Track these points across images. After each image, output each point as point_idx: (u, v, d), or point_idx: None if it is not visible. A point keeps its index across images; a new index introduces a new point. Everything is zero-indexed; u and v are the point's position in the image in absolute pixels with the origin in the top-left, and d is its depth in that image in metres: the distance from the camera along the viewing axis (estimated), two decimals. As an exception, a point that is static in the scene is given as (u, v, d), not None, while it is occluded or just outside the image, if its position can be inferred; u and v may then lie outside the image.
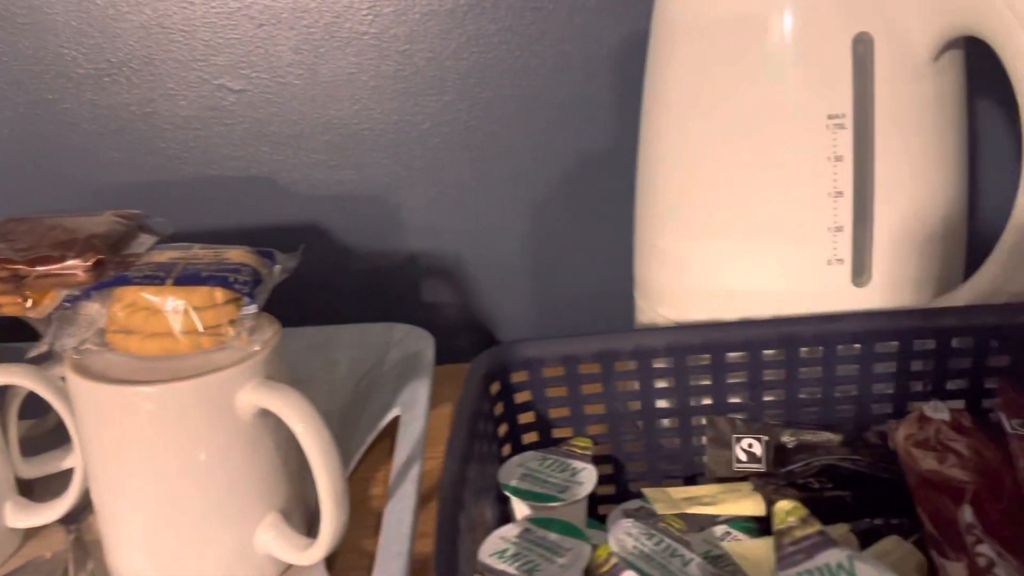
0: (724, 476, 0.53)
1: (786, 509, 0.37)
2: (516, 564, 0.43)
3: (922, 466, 0.44)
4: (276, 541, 0.53)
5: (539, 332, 0.91)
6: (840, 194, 0.58)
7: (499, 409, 0.52)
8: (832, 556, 0.36)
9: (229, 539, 0.52)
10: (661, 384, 0.53)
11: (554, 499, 0.48)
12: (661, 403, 0.54)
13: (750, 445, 0.53)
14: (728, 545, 0.47)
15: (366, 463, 0.64)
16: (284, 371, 0.57)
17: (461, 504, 0.40)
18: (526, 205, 0.88)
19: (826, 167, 0.57)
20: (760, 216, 0.59)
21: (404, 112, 0.84)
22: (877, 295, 0.60)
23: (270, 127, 0.85)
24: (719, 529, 0.49)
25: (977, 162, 0.84)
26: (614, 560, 0.41)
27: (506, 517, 0.50)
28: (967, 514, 0.40)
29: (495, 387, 0.52)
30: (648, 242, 0.68)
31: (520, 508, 0.49)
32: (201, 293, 0.50)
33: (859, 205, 0.57)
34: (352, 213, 0.88)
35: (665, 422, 0.54)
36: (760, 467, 0.52)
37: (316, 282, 0.90)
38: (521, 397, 0.53)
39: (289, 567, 0.55)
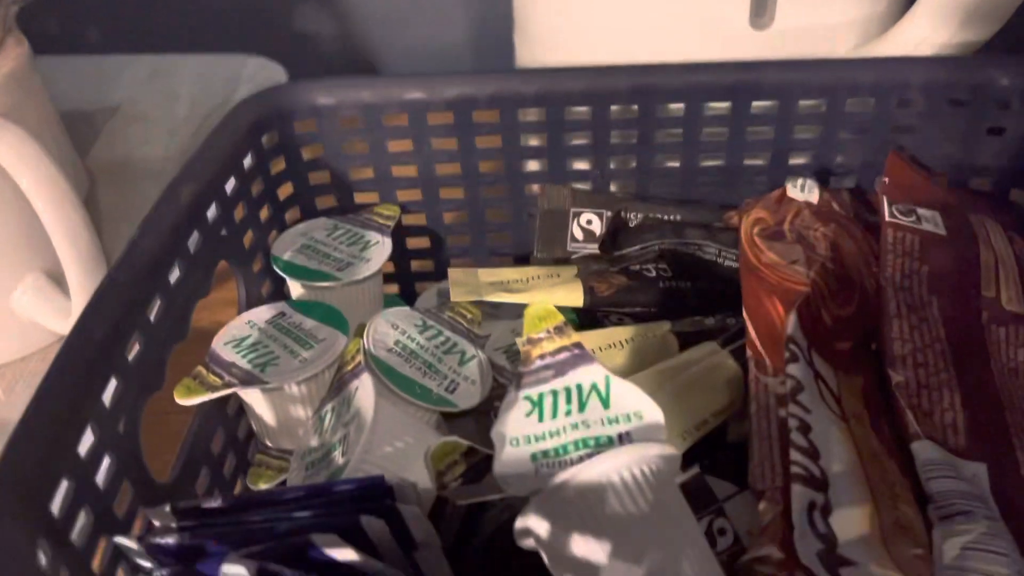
0: (560, 257, 0.45)
1: (539, 314, 0.29)
2: (250, 355, 0.35)
3: (760, 259, 0.36)
4: (35, 304, 0.46)
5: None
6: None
7: (279, 166, 0.42)
8: (586, 375, 0.28)
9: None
10: (486, 143, 0.43)
11: (330, 277, 0.40)
12: (486, 165, 0.44)
13: (589, 221, 0.44)
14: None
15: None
16: (39, 106, 0.47)
17: (161, 271, 0.32)
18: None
19: None
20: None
21: None
22: (780, 41, 0.48)
23: None
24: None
25: None
26: (359, 359, 0.33)
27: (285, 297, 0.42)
28: (791, 324, 0.32)
29: (271, 138, 0.42)
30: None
31: (294, 287, 0.41)
32: None
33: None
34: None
35: (492, 190, 0.45)
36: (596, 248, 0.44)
37: (160, 2, 0.77)
38: (312, 152, 0.43)
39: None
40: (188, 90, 0.69)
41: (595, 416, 0.27)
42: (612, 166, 0.44)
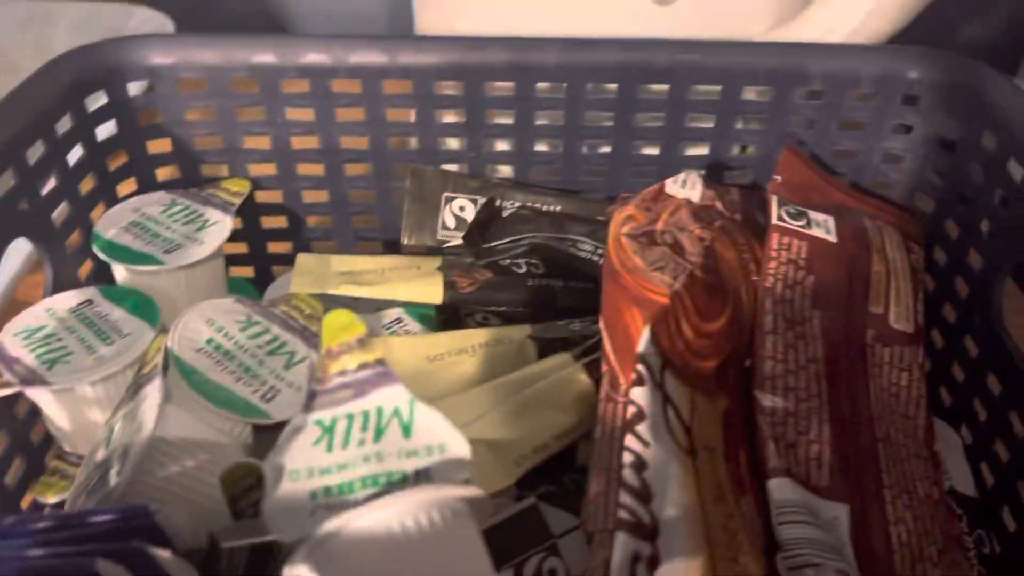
0: (431, 246, 0.41)
1: (339, 323, 0.25)
2: (40, 350, 0.31)
3: (624, 263, 0.32)
4: None
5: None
6: None
7: (106, 131, 0.37)
8: (389, 397, 0.24)
9: None
10: (348, 116, 0.39)
11: (153, 260, 0.35)
12: (349, 141, 0.40)
13: (462, 208, 0.40)
14: (387, 338, 0.36)
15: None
16: None
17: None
18: None
19: None
20: None
21: None
22: (684, 21, 0.44)
23: None
24: (390, 314, 0.38)
25: None
26: (155, 361, 0.29)
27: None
28: (644, 340, 0.29)
29: (98, 99, 0.37)
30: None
31: (118, 272, 0.36)
32: None
33: None
34: None
35: (356, 167, 0.41)
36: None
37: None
38: (149, 116, 0.38)
39: None
40: (64, 40, 0.63)
41: (392, 447, 0.23)
42: (487, 149, 0.40)
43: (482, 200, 0.40)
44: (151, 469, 0.26)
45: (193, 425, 0.28)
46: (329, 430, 0.24)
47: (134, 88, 0.38)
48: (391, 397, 0.24)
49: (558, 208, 0.40)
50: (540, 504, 0.28)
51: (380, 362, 0.24)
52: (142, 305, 0.33)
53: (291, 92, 0.38)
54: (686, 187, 0.35)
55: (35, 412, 0.32)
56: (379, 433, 0.24)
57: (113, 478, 0.27)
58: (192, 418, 0.28)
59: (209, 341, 0.32)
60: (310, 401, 0.24)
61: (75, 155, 0.36)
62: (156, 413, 0.27)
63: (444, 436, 0.23)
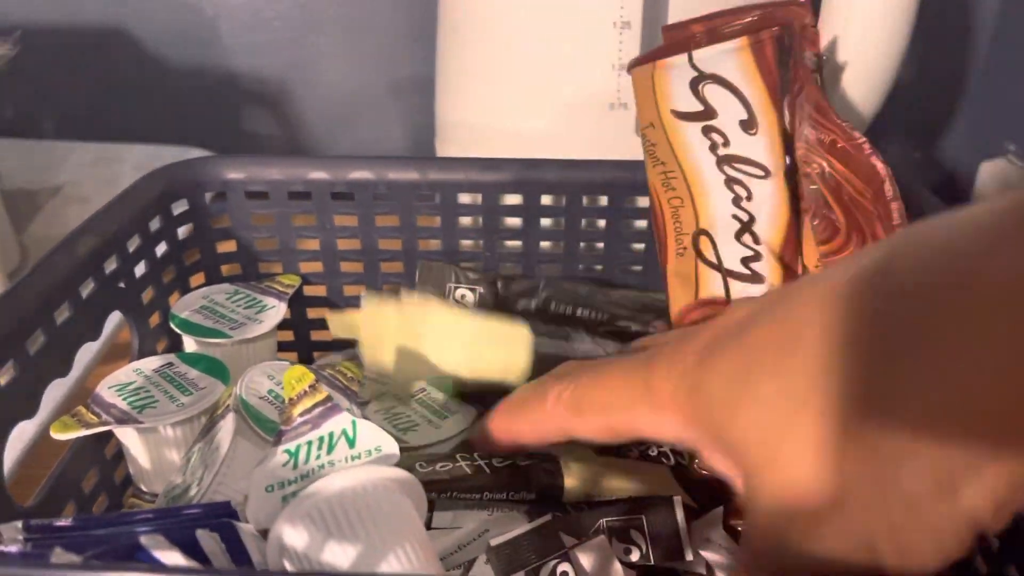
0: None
1: (296, 376, 0.31)
2: (131, 399, 0.37)
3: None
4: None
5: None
6: (627, 25, 0.50)
7: (185, 231, 0.45)
8: (336, 423, 0.31)
9: None
10: (385, 222, 0.47)
11: (221, 335, 0.42)
12: (386, 243, 0.47)
13: (463, 296, 0.47)
14: (414, 405, 0.42)
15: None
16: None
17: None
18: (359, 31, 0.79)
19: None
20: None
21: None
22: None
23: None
24: (418, 384, 0.44)
25: None
26: (228, 402, 0.35)
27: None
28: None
29: (181, 205, 0.45)
30: (444, 83, 0.60)
31: (189, 343, 0.43)
32: None
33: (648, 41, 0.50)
34: (164, 19, 0.79)
35: (390, 266, 0.48)
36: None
37: (119, 93, 0.82)
38: (220, 221, 0.46)
39: None
40: (129, 176, 0.72)
41: (341, 455, 0.30)
42: (499, 249, 0.48)
43: (480, 289, 0.47)
44: (224, 481, 0.32)
45: (256, 453, 0.34)
46: (294, 455, 0.30)
47: (209, 198, 0.46)
48: (338, 423, 0.31)
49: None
50: (555, 520, 0.33)
51: (328, 399, 0.31)
52: (214, 367, 0.40)
53: (338, 202, 0.46)
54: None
55: (119, 455, 0.38)
56: (331, 448, 0.30)
57: (194, 488, 0.33)
58: (255, 448, 0.34)
59: (269, 391, 0.38)
60: (279, 438, 0.31)
61: (160, 250, 0.44)
62: (230, 440, 0.33)
63: (379, 440, 0.31)
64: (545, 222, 0.47)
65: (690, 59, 0.37)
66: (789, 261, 0.37)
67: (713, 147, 0.37)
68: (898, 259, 0.21)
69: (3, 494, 0.31)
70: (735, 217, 0.37)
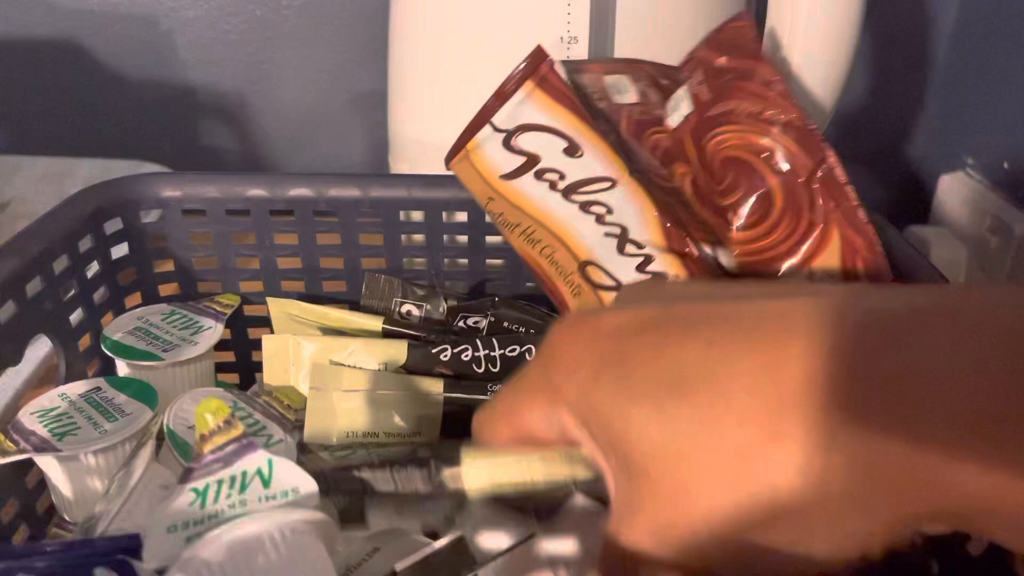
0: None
1: (210, 409, 0.30)
2: (53, 425, 0.36)
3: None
4: None
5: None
6: (575, 39, 0.50)
7: (120, 251, 0.44)
8: (251, 462, 0.29)
9: None
10: (327, 240, 0.46)
11: (153, 357, 0.41)
12: (328, 262, 0.46)
13: (408, 312, 0.46)
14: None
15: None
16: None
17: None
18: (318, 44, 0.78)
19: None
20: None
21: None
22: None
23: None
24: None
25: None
26: (153, 430, 0.34)
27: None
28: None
29: (115, 224, 0.44)
30: (395, 99, 0.60)
31: (121, 367, 0.42)
32: None
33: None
34: (119, 31, 0.78)
35: (332, 284, 0.47)
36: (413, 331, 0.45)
37: (73, 107, 0.80)
38: (157, 241, 0.45)
39: None
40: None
41: (254, 495, 0.28)
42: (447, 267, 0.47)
43: (427, 306, 0.46)
44: (135, 510, 0.31)
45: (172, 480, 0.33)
46: (202, 494, 0.29)
47: (145, 216, 0.45)
48: (253, 461, 0.29)
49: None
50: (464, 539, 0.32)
51: (244, 435, 0.30)
52: (143, 391, 0.38)
53: (278, 220, 0.45)
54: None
55: (42, 484, 0.37)
56: (243, 488, 0.29)
57: (104, 519, 0.31)
58: (172, 475, 0.33)
59: (198, 418, 0.37)
60: (186, 475, 0.29)
61: (92, 270, 0.42)
62: (144, 467, 0.32)
63: (297, 480, 0.29)
64: (492, 239, 0.46)
65: (492, 127, 0.37)
66: (679, 247, 0.36)
67: (552, 186, 0.37)
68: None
69: (-96, 529, 0.30)
70: (608, 235, 0.37)
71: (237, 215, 0.45)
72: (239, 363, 0.48)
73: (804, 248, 0.36)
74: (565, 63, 0.38)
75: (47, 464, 0.36)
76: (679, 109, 0.37)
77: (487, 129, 0.37)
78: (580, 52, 0.49)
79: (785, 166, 0.35)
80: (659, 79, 0.40)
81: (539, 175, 0.37)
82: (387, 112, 0.61)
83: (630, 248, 0.36)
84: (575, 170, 0.37)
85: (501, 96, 0.37)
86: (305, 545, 0.27)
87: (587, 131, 0.36)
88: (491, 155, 0.38)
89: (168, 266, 0.46)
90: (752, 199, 0.35)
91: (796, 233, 0.36)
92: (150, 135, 0.81)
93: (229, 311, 0.45)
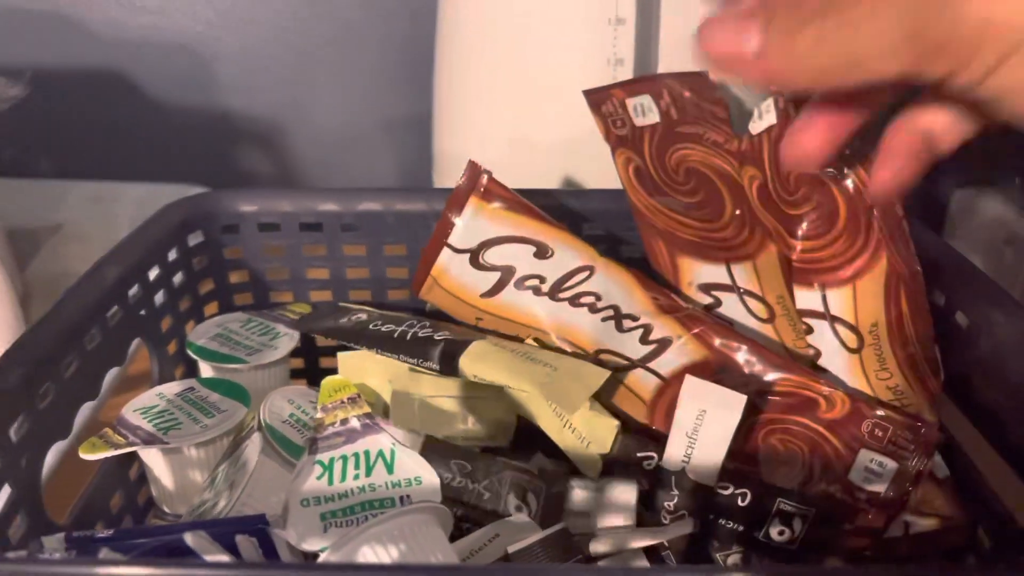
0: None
1: (334, 385, 0.33)
2: (156, 421, 0.38)
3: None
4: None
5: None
6: (621, 62, 0.53)
7: (200, 263, 0.47)
8: (374, 443, 0.32)
9: None
10: (393, 251, 0.49)
11: (238, 360, 0.43)
12: (393, 272, 0.49)
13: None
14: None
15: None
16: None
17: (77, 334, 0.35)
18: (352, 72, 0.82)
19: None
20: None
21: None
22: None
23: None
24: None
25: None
26: (252, 424, 0.37)
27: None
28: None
29: (195, 238, 0.46)
30: (442, 118, 0.63)
31: (205, 369, 0.44)
32: None
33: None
34: (162, 61, 0.81)
35: (397, 293, 0.50)
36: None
37: (117, 134, 0.83)
38: (232, 253, 0.48)
39: None
40: (128, 214, 0.73)
41: (381, 480, 0.31)
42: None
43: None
44: (251, 494, 0.34)
45: (280, 472, 0.35)
46: (328, 468, 0.31)
47: (223, 230, 0.47)
48: (376, 443, 0.32)
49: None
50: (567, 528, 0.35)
51: (368, 415, 0.32)
52: (234, 390, 0.41)
53: (348, 232, 0.48)
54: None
55: (142, 477, 0.39)
56: (369, 470, 0.31)
57: (221, 503, 0.34)
58: (279, 467, 0.36)
59: (291, 415, 0.39)
60: (312, 446, 0.32)
61: (177, 279, 0.45)
62: (257, 458, 0.34)
63: (420, 470, 0.31)
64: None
65: (452, 248, 0.38)
66: (670, 306, 0.37)
67: (536, 291, 0.38)
68: None
69: (42, 513, 0.32)
70: (604, 319, 0.38)
71: (308, 229, 0.48)
72: (307, 370, 0.51)
73: (853, 266, 0.38)
74: (586, 92, 0.39)
75: (151, 457, 0.38)
76: (764, 119, 0.38)
77: (447, 252, 0.38)
78: (626, 74, 0.52)
79: (852, 190, 0.38)
80: (683, 91, 0.41)
81: (519, 284, 0.38)
82: (431, 132, 0.64)
83: (627, 323, 0.37)
84: (551, 269, 0.38)
85: (447, 217, 0.38)
86: (431, 536, 0.28)
87: (547, 229, 0.37)
88: (460, 277, 0.38)
89: (243, 276, 0.49)
90: (819, 214, 0.38)
91: (850, 251, 0.38)
92: (191, 160, 0.84)
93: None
